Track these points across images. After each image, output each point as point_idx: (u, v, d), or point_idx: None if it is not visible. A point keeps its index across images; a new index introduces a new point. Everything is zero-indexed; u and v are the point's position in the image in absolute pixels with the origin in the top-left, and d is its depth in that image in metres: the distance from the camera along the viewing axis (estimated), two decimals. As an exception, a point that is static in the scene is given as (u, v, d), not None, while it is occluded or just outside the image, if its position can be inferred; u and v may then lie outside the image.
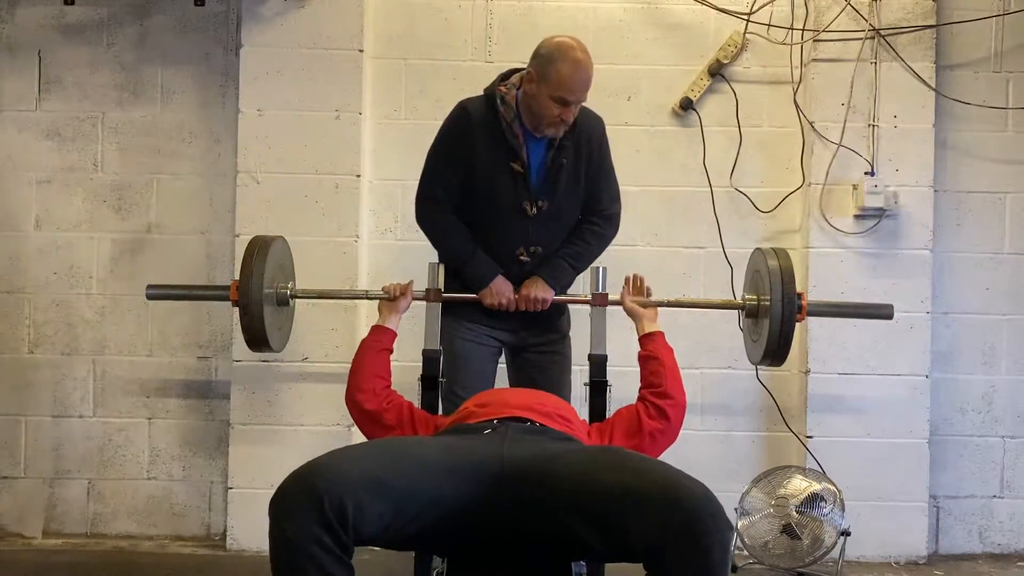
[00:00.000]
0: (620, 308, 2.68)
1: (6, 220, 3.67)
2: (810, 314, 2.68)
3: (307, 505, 1.63)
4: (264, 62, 3.51)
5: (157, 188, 3.67)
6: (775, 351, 2.61)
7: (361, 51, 3.53)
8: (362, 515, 1.66)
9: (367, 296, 2.87)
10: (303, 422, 3.48)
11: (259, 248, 2.68)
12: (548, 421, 2.12)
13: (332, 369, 3.48)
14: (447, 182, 2.76)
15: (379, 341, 2.55)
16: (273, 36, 3.51)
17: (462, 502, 1.79)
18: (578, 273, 2.86)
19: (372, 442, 1.93)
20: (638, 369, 2.48)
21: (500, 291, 2.75)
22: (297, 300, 2.94)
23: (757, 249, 2.76)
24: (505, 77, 2.73)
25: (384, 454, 1.82)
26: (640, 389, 2.45)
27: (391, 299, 2.66)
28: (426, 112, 3.54)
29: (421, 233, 2.93)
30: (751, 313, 2.75)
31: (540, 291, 2.76)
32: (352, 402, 2.44)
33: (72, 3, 3.63)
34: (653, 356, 2.48)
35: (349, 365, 3.44)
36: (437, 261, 2.81)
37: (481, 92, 2.77)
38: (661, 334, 2.55)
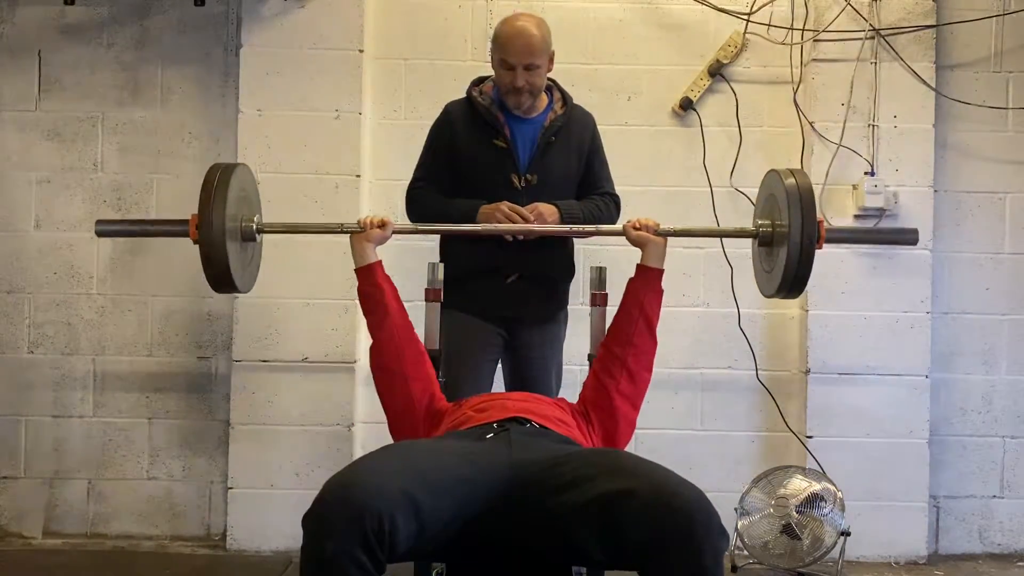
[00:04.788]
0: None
1: (6, 220, 3.67)
2: (829, 240, 2.44)
3: (349, 523, 1.57)
4: (264, 62, 3.51)
5: (157, 188, 3.67)
6: (792, 282, 2.39)
7: (361, 51, 3.53)
8: (396, 535, 1.61)
9: (342, 230, 2.56)
10: (303, 422, 3.48)
11: (219, 178, 2.34)
12: (548, 423, 2.12)
13: (332, 369, 3.48)
14: (431, 171, 2.87)
15: (381, 286, 2.42)
16: (273, 36, 3.52)
17: (475, 513, 1.78)
18: (584, 220, 2.80)
19: (399, 452, 1.87)
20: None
21: (494, 206, 2.69)
22: (268, 236, 2.68)
23: (772, 170, 2.53)
24: (479, 81, 2.89)
25: (412, 469, 1.75)
26: (609, 327, 2.43)
27: (362, 230, 2.48)
28: (426, 112, 3.52)
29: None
30: (765, 241, 2.53)
31: (545, 207, 2.73)
32: (401, 378, 2.35)
33: (72, 3, 3.62)
34: (634, 295, 2.40)
35: (348, 365, 3.48)
36: (437, 261, 2.82)
37: None
38: (659, 272, 2.44)
